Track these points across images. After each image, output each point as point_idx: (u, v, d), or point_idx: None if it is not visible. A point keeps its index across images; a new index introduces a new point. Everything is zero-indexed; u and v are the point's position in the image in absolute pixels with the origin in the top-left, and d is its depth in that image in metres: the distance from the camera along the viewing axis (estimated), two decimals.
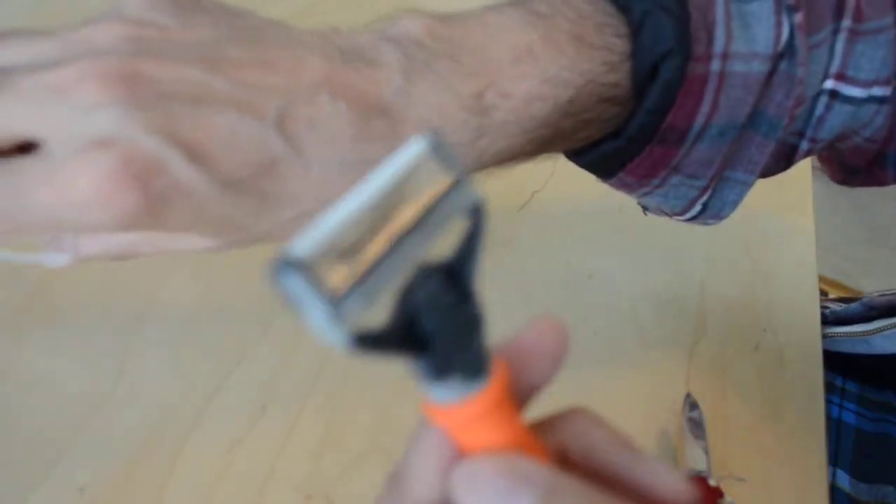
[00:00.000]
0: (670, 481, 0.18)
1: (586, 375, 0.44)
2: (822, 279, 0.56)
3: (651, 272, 0.53)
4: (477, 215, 0.16)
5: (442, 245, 0.16)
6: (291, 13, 0.76)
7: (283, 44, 0.28)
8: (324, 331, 0.13)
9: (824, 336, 0.50)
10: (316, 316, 0.13)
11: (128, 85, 0.23)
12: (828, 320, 0.55)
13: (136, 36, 0.25)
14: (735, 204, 0.38)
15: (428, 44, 0.28)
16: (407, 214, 0.15)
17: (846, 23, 0.34)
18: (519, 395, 0.18)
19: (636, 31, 0.30)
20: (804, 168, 0.69)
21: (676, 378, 0.45)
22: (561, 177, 0.61)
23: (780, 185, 0.66)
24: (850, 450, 0.53)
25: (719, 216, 0.39)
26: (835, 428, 0.55)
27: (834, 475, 0.52)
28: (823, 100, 0.35)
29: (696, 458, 0.39)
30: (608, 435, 0.19)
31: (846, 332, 0.57)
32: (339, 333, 0.13)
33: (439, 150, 0.15)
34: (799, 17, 0.32)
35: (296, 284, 0.13)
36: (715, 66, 0.31)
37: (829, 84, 0.35)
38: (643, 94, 0.31)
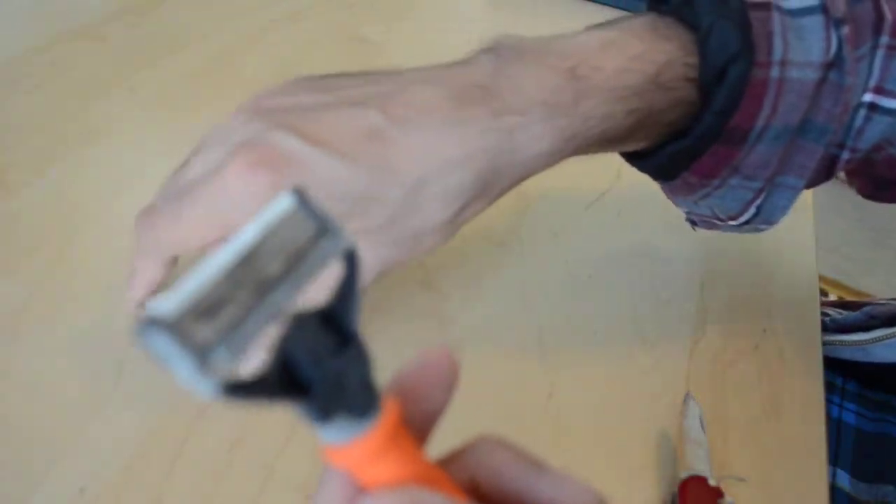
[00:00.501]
0: (573, 492, 0.19)
1: (586, 376, 0.44)
2: (822, 279, 0.56)
3: (651, 272, 0.53)
4: (350, 260, 0.16)
5: (319, 292, 0.17)
6: (292, 13, 0.76)
7: (390, 75, 0.34)
8: (191, 385, 0.13)
9: (824, 344, 0.50)
10: (182, 371, 0.13)
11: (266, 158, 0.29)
12: (827, 328, 0.55)
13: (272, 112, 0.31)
14: (785, 210, 0.40)
15: (519, 46, 0.33)
16: (276, 266, 0.15)
17: (884, 39, 0.37)
18: (418, 426, 0.19)
19: (704, 38, 0.33)
20: None
21: (676, 378, 0.45)
22: (561, 178, 0.61)
23: None
24: (850, 450, 0.53)
25: (770, 221, 0.41)
26: (835, 428, 0.55)
27: (834, 475, 0.52)
28: (862, 112, 0.38)
29: (696, 458, 0.39)
30: (511, 456, 0.19)
31: (845, 341, 0.57)
32: (206, 386, 0.13)
33: (306, 203, 0.16)
34: (846, 31, 0.35)
35: (159, 342, 0.13)
36: (774, 72, 0.34)
37: (868, 97, 0.37)
38: (710, 97, 0.34)
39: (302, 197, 0.16)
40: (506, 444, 0.20)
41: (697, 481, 0.37)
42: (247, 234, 0.15)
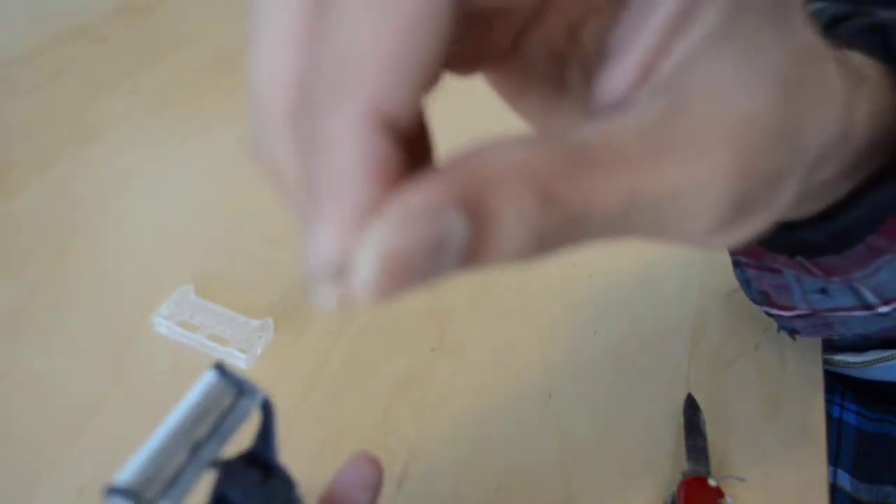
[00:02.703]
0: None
1: (586, 376, 0.44)
2: None
3: (651, 272, 0.53)
4: (266, 408, 0.21)
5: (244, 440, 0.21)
6: None
7: None
8: None
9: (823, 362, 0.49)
10: None
11: None
12: (823, 347, 0.54)
13: None
14: None
15: None
16: (205, 428, 0.20)
17: None
18: None
19: None
20: None
21: (676, 378, 0.45)
22: None
23: None
24: (850, 450, 0.53)
25: None
26: (835, 428, 0.55)
27: (835, 475, 0.52)
28: None
29: (695, 459, 0.39)
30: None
31: (841, 362, 0.56)
32: None
33: (225, 374, 0.20)
34: None
35: (120, 502, 0.17)
36: None
37: None
38: None
39: (222, 371, 0.20)
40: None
41: (697, 481, 0.37)
42: (179, 411, 0.19)
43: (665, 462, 0.40)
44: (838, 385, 0.57)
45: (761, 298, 0.42)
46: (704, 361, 0.46)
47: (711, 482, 0.37)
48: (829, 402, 0.55)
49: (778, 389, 0.45)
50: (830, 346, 0.58)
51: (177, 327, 0.41)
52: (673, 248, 0.55)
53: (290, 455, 0.37)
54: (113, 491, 0.18)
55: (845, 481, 0.51)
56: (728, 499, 0.36)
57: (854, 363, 0.55)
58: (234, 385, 0.20)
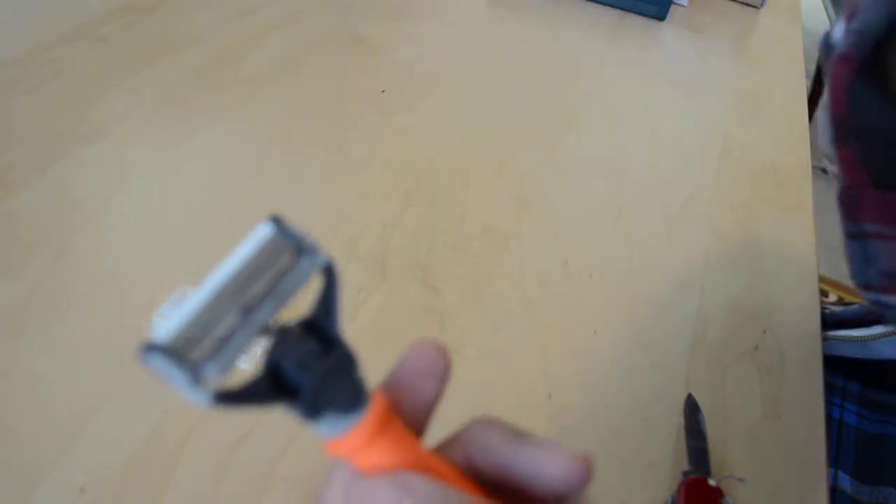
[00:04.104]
0: (552, 459, 0.20)
1: (586, 376, 0.44)
2: (821, 279, 0.56)
3: (651, 272, 0.53)
4: (329, 273, 0.18)
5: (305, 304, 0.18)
6: (292, 13, 0.76)
7: None
8: (187, 396, 0.15)
9: (823, 339, 0.49)
10: (178, 385, 0.15)
11: None
12: (826, 322, 0.54)
13: None
14: None
15: None
16: (259, 287, 0.17)
17: None
18: (414, 418, 0.20)
19: None
20: (804, 168, 0.69)
21: (676, 378, 0.45)
22: (561, 177, 0.61)
23: (780, 184, 0.66)
24: (851, 451, 0.53)
25: None
26: (836, 429, 0.55)
27: (835, 476, 0.52)
28: None
29: (696, 459, 0.39)
30: (498, 432, 0.20)
31: (845, 336, 0.56)
32: (200, 396, 0.15)
33: (284, 228, 0.18)
34: None
35: (158, 363, 0.15)
36: None
37: None
38: None
39: (279, 223, 0.18)
40: (495, 423, 0.20)
41: (697, 481, 0.37)
42: (231, 263, 0.17)
43: (665, 462, 0.40)
44: (840, 379, 0.57)
45: (886, 281, 0.38)
46: (704, 361, 0.46)
47: (711, 482, 0.37)
48: (829, 403, 0.55)
49: (778, 390, 0.45)
50: (835, 323, 0.58)
51: None
52: (673, 249, 0.55)
53: (291, 455, 0.37)
54: (150, 349, 0.15)
55: (846, 482, 0.51)
56: (728, 499, 0.36)
57: (859, 337, 0.54)
58: (292, 242, 0.18)
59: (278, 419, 0.38)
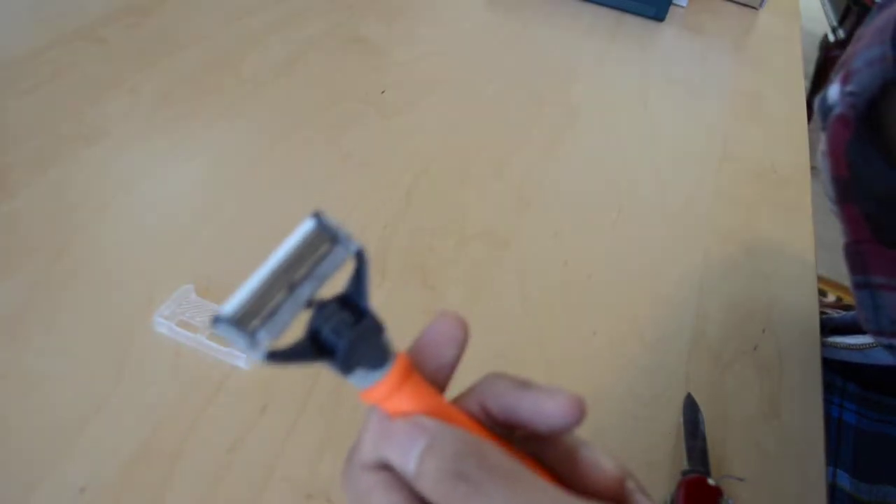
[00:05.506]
0: (551, 400, 0.23)
1: (586, 375, 0.44)
2: (820, 279, 0.56)
3: (651, 272, 0.53)
4: (360, 258, 0.23)
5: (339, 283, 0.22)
6: (292, 13, 0.76)
7: None
8: (247, 353, 0.20)
9: (822, 345, 0.50)
10: (240, 346, 0.20)
11: None
12: (824, 328, 0.54)
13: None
14: None
15: None
16: (303, 270, 0.22)
17: None
18: (436, 377, 0.24)
19: None
20: (804, 168, 0.69)
21: (676, 378, 0.45)
22: (561, 178, 0.61)
23: (780, 185, 0.66)
24: (850, 450, 0.53)
25: None
26: (835, 428, 0.55)
27: (834, 475, 0.52)
28: None
29: (695, 458, 0.39)
30: (507, 380, 0.24)
31: (843, 344, 0.57)
32: (256, 353, 0.20)
33: (324, 222, 0.22)
34: None
35: (225, 330, 0.19)
36: None
37: None
38: None
39: (320, 218, 0.22)
40: (504, 374, 0.25)
41: (697, 480, 0.37)
42: (280, 252, 0.21)
43: (664, 461, 0.40)
44: (839, 379, 0.58)
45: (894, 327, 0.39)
46: (704, 361, 0.46)
47: (711, 482, 0.37)
48: (828, 402, 0.55)
49: (777, 389, 0.45)
50: (832, 330, 0.59)
51: (177, 327, 0.41)
52: (672, 249, 0.55)
53: (291, 455, 0.37)
54: (219, 320, 0.19)
55: (845, 481, 0.51)
56: (728, 498, 0.36)
57: (855, 345, 0.55)
58: (330, 233, 0.22)
59: (277, 419, 0.38)
